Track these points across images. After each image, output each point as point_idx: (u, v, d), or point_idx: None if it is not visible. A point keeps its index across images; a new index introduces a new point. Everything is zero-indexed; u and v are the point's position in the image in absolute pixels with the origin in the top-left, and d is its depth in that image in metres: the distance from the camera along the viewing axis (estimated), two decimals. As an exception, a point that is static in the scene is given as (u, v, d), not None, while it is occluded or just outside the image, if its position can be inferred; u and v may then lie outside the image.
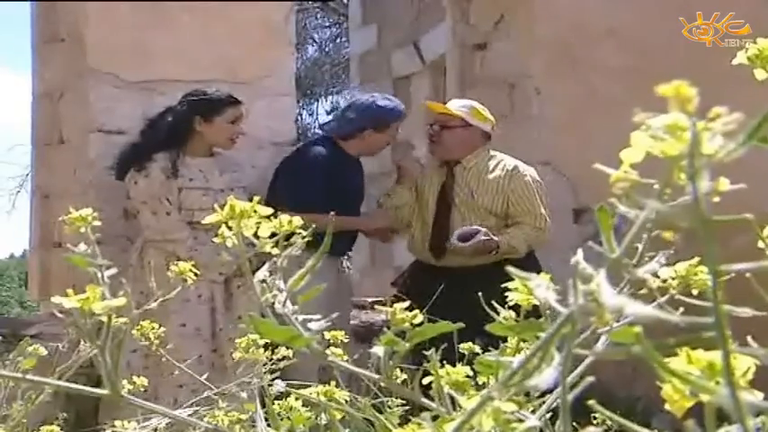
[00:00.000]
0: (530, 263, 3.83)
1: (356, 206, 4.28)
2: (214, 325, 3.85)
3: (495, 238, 3.86)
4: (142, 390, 1.70)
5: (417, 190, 4.22)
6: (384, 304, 1.00)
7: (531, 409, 0.75)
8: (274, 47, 4.62)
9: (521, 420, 0.58)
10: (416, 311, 0.85)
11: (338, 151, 4.16)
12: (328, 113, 13.08)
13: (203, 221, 0.82)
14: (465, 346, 1.49)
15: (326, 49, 14.02)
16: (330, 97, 13.93)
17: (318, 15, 13.75)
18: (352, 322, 4.38)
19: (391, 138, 4.28)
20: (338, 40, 13.61)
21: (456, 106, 4.15)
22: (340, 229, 3.83)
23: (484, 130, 4.06)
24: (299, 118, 12.72)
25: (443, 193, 4.07)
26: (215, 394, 1.62)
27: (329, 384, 1.37)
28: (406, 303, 0.87)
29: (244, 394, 1.48)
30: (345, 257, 5.15)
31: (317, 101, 14.07)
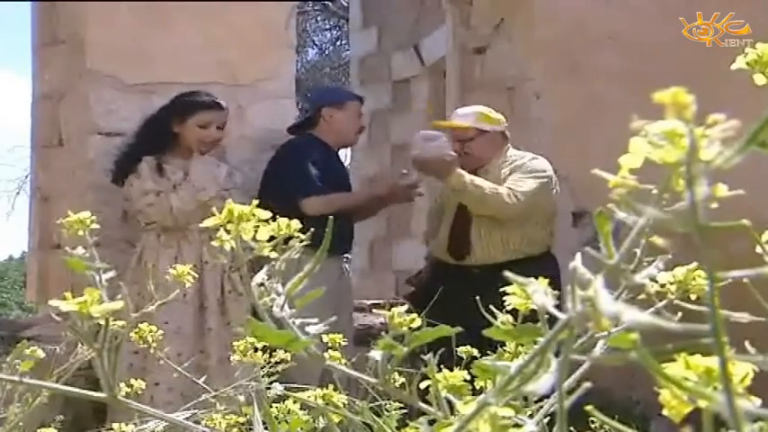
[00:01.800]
0: (548, 263, 3.84)
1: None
2: (203, 325, 3.86)
3: (461, 171, 3.86)
4: (140, 392, 1.70)
5: (442, 195, 4.28)
6: (383, 307, 1.00)
7: (529, 413, 0.75)
8: (274, 49, 4.62)
9: (518, 425, 0.58)
10: (414, 315, 0.85)
11: (318, 141, 4.22)
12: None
13: (201, 225, 0.82)
14: (463, 350, 1.49)
15: (327, 52, 14.03)
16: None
17: (319, 18, 13.76)
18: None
19: (357, 119, 4.33)
20: (338, 43, 13.62)
21: (462, 116, 4.17)
22: (364, 204, 4.03)
23: (500, 131, 4.11)
24: (299, 120, 12.69)
25: None
26: (207, 397, 1.62)
27: (328, 387, 1.37)
28: (406, 306, 0.87)
29: (241, 397, 1.48)
30: (346, 259, 5.18)
31: (317, 103, 14.04)
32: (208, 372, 3.59)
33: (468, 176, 3.88)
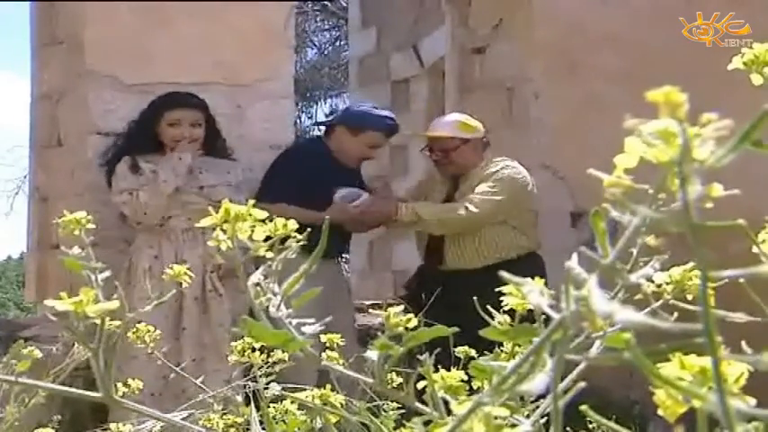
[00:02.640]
0: (534, 264, 3.90)
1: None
2: (179, 324, 3.85)
3: (405, 205, 4.04)
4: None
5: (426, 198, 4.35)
6: (381, 307, 1.00)
7: (526, 413, 0.75)
8: (274, 50, 4.62)
9: (513, 425, 0.58)
10: (411, 315, 0.85)
11: (324, 146, 4.24)
12: (327, 116, 13.11)
13: (197, 225, 0.82)
14: (461, 350, 1.49)
15: (326, 52, 14.02)
16: (329, 100, 13.95)
17: (318, 18, 13.75)
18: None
19: (366, 149, 4.25)
20: (337, 43, 13.61)
21: (443, 125, 4.24)
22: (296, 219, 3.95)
23: (480, 138, 4.18)
24: (298, 121, 12.74)
25: (445, 202, 4.21)
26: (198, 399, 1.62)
27: (326, 387, 1.37)
28: (402, 307, 0.87)
29: (239, 398, 1.48)
30: (342, 260, 5.17)
31: (316, 104, 14.08)
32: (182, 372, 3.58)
33: (416, 206, 4.05)
